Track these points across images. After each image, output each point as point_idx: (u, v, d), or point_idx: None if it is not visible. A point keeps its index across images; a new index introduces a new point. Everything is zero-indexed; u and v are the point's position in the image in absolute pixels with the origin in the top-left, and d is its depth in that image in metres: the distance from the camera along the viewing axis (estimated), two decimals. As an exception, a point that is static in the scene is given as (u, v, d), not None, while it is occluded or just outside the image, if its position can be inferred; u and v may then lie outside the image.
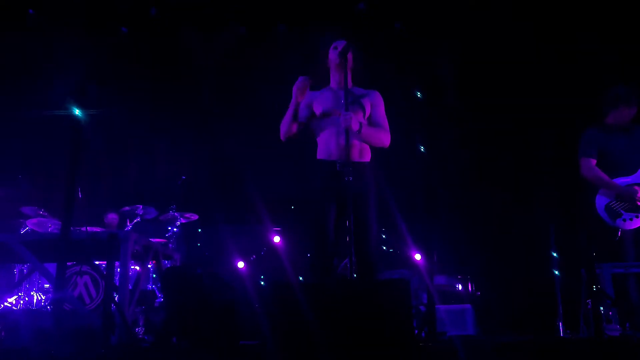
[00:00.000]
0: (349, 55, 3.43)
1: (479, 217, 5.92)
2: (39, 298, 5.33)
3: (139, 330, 4.69)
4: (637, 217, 3.86)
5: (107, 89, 5.97)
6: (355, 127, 3.28)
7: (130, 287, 3.84)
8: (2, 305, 5.25)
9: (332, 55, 3.54)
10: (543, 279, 4.87)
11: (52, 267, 4.22)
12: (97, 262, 4.87)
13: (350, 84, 3.56)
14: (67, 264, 4.66)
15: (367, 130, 3.40)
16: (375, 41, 5.80)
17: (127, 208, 6.00)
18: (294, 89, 3.41)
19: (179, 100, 6.45)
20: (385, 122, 3.55)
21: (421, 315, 4.75)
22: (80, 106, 3.24)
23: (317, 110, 3.54)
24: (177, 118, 6.43)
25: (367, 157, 3.51)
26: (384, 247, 5.61)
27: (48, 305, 5.21)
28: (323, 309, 2.44)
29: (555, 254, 4.58)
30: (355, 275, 3.01)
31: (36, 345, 3.12)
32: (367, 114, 3.52)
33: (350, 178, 3.13)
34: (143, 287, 5.23)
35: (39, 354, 2.78)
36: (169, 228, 6.05)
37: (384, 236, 5.56)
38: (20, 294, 5.34)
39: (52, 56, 5.80)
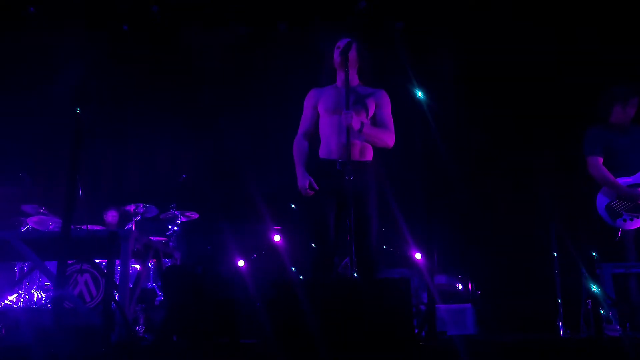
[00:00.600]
0: (352, 54, 3.43)
1: (480, 216, 5.91)
2: (40, 296, 5.33)
3: (139, 328, 4.70)
4: (637, 217, 3.86)
5: (108, 87, 5.97)
6: (356, 125, 3.28)
7: (130, 286, 3.84)
8: (3, 303, 5.25)
9: (335, 54, 3.55)
10: (543, 279, 4.86)
11: (52, 265, 4.24)
12: (97, 261, 4.87)
13: (356, 82, 3.57)
14: (68, 262, 4.67)
15: (369, 130, 3.40)
16: (376, 40, 5.79)
17: (127, 206, 6.01)
18: (302, 192, 3.46)
19: (179, 99, 6.45)
20: (389, 123, 3.54)
21: (421, 314, 4.75)
22: (81, 104, 3.24)
23: (321, 109, 3.56)
24: (178, 116, 6.43)
25: (369, 156, 3.51)
26: (385, 246, 5.60)
27: (48, 303, 5.22)
28: (323, 307, 2.44)
29: (555, 254, 4.57)
30: (355, 274, 3.02)
31: (36, 343, 3.12)
32: (371, 113, 3.51)
33: (351, 177, 3.14)
34: (143, 286, 5.24)
35: (39, 352, 2.78)
36: (170, 226, 6.06)
37: (384, 234, 5.57)
38: (20, 292, 5.34)
39: (52, 54, 5.79)
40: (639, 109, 4.05)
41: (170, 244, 5.97)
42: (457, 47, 5.90)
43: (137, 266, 5.19)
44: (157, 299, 5.25)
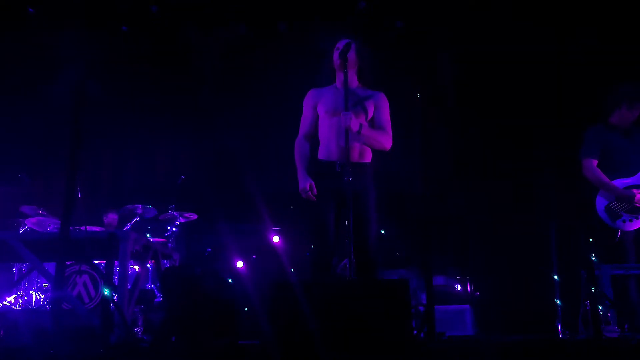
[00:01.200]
0: (351, 55, 3.43)
1: (479, 217, 5.92)
2: (38, 297, 5.33)
3: (138, 329, 4.69)
4: (637, 218, 3.86)
5: (107, 87, 5.96)
6: (354, 127, 3.29)
7: (129, 287, 3.83)
8: (1, 304, 5.25)
9: (334, 55, 3.55)
10: (542, 280, 4.88)
11: (51, 267, 4.23)
12: (96, 262, 4.86)
13: (355, 83, 3.57)
14: (67, 263, 4.66)
15: (367, 132, 3.41)
16: (376, 40, 5.80)
17: (126, 207, 6.00)
18: (302, 194, 3.45)
19: (178, 99, 6.44)
20: (387, 125, 3.54)
21: (420, 315, 4.75)
22: (80, 105, 3.24)
23: (321, 110, 3.56)
24: (177, 117, 6.43)
25: (368, 158, 3.52)
26: (383, 248, 5.61)
27: (47, 304, 5.21)
28: (322, 308, 2.44)
29: (554, 255, 4.58)
30: (354, 275, 3.02)
31: (35, 344, 3.12)
32: (370, 116, 3.52)
33: (350, 178, 3.14)
34: (142, 287, 5.23)
35: (38, 354, 2.78)
36: (169, 227, 6.05)
37: (382, 235, 5.57)
38: (19, 293, 5.33)
39: (51, 54, 5.79)
40: None
41: (169, 245, 5.96)
42: (457, 47, 5.90)
43: (136, 267, 5.18)
44: (155, 300, 5.25)
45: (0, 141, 6.01)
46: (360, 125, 3.34)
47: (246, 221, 6.32)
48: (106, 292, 3.16)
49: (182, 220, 6.10)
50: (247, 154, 6.29)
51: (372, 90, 3.59)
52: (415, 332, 3.52)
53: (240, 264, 6.07)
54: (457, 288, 5.57)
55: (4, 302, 5.27)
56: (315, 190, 3.41)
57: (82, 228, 4.56)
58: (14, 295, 5.34)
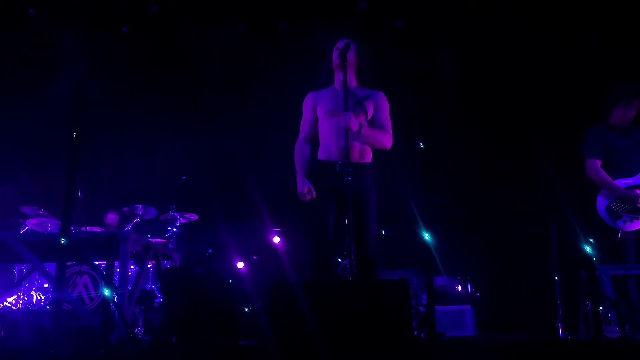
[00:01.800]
0: (351, 55, 3.43)
1: (479, 217, 5.91)
2: (39, 298, 5.33)
3: (138, 330, 4.69)
4: (637, 218, 3.86)
5: (107, 88, 5.96)
6: (354, 127, 3.28)
7: (129, 287, 3.83)
8: (2, 305, 5.25)
9: (334, 55, 3.55)
10: (542, 280, 4.87)
11: (51, 267, 4.23)
12: (96, 262, 4.86)
13: (354, 83, 3.57)
14: (67, 263, 4.66)
15: (367, 131, 3.40)
16: (376, 40, 5.80)
17: (126, 208, 6.00)
18: (300, 197, 3.46)
19: (179, 100, 6.45)
20: (387, 125, 3.54)
21: (420, 316, 4.74)
22: (80, 106, 3.24)
23: (320, 112, 3.56)
24: (177, 117, 6.43)
25: (368, 158, 3.51)
26: (384, 248, 5.60)
27: (47, 305, 5.21)
28: (322, 309, 2.44)
29: (555, 256, 4.57)
30: (354, 276, 3.01)
31: (35, 345, 3.12)
32: (369, 116, 3.52)
33: (350, 179, 3.14)
34: (142, 287, 5.23)
35: (39, 354, 2.78)
36: (169, 228, 6.05)
37: (383, 234, 5.56)
38: (19, 293, 5.34)
39: (51, 55, 5.79)
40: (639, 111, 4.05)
41: (170, 245, 5.96)
42: (456, 47, 5.90)
43: (136, 268, 5.18)
44: (156, 300, 5.24)
45: (0, 141, 6.01)
46: (360, 125, 3.34)
47: (246, 222, 6.32)
48: (106, 292, 3.16)
49: (183, 220, 6.09)
50: (247, 155, 6.29)
51: (371, 90, 3.59)
52: (415, 332, 3.51)
53: (240, 265, 6.07)
54: (457, 288, 5.57)
55: (5, 303, 5.27)
56: (313, 193, 3.41)
57: (83, 229, 4.56)
58: (15, 296, 5.34)
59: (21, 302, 5.30)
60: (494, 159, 5.96)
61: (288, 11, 6.08)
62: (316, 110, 3.59)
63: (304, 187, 3.42)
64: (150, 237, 5.75)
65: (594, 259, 3.82)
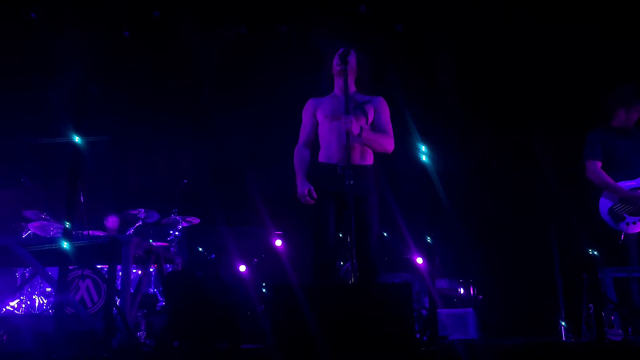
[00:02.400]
0: (352, 60, 3.44)
1: (481, 220, 5.90)
2: (41, 302, 5.33)
3: (140, 334, 4.69)
4: (640, 220, 3.85)
5: (108, 90, 5.98)
6: (355, 130, 3.29)
7: (132, 291, 3.84)
8: (4, 309, 5.25)
9: (334, 61, 3.56)
10: (545, 283, 4.86)
11: (54, 271, 4.24)
12: (99, 266, 4.87)
13: (353, 89, 3.58)
14: (69, 267, 4.67)
15: (368, 134, 3.41)
16: (376, 43, 5.80)
17: (128, 212, 6.01)
18: (301, 199, 3.44)
19: (180, 103, 6.45)
20: (389, 128, 3.55)
21: (423, 319, 4.74)
22: (81, 109, 3.26)
23: (320, 116, 3.57)
24: (179, 120, 6.43)
25: (369, 160, 3.51)
26: (386, 251, 5.60)
27: (50, 309, 5.22)
28: (325, 312, 2.44)
29: (557, 258, 4.56)
30: (356, 279, 3.01)
31: (38, 348, 3.13)
32: (370, 120, 3.52)
33: (351, 181, 3.14)
34: (145, 291, 5.23)
35: (41, 358, 2.79)
36: (171, 232, 6.06)
37: (385, 237, 5.56)
38: (22, 297, 5.34)
39: (53, 56, 5.81)
40: None
41: (172, 249, 5.96)
42: (456, 48, 5.90)
43: (139, 271, 5.18)
44: (158, 304, 5.25)
45: (2, 144, 6.02)
46: (361, 128, 3.34)
47: (248, 225, 6.32)
48: (109, 296, 3.17)
49: (185, 224, 6.10)
50: (249, 158, 6.29)
51: (370, 96, 3.61)
52: (417, 335, 3.51)
53: (242, 268, 6.07)
54: (459, 291, 5.56)
55: (7, 307, 5.28)
56: (314, 194, 3.41)
57: (85, 232, 4.57)
58: (17, 300, 5.34)
59: (24, 306, 5.30)
60: (495, 160, 5.95)
61: (289, 13, 6.08)
62: (316, 115, 3.59)
63: (305, 189, 3.42)
64: (152, 241, 5.76)
65: (597, 261, 3.81)
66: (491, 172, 5.96)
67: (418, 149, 3.91)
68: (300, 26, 6.10)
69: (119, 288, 3.85)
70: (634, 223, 3.85)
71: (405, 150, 3.88)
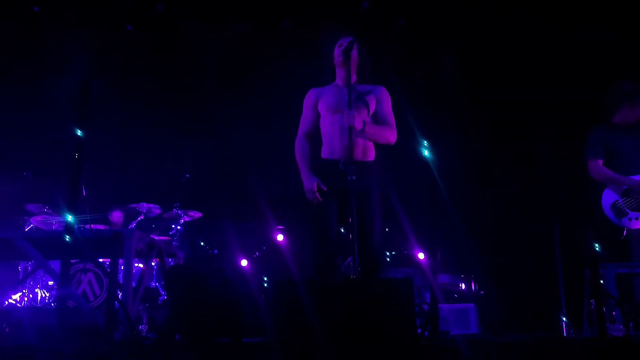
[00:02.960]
0: (354, 52, 3.43)
1: (483, 215, 5.90)
2: (43, 295, 5.35)
3: (142, 327, 4.71)
4: (643, 216, 3.84)
5: (110, 86, 5.98)
6: (358, 125, 3.28)
7: (134, 285, 3.85)
8: (7, 302, 5.27)
9: (336, 52, 3.54)
10: (547, 278, 4.86)
11: (56, 265, 4.25)
12: (101, 260, 4.89)
13: (354, 79, 3.56)
14: (72, 261, 4.68)
15: (371, 128, 3.39)
16: (379, 38, 5.79)
17: (131, 206, 6.02)
18: (308, 195, 3.39)
19: (183, 98, 6.45)
20: (391, 119, 3.53)
21: (424, 314, 4.74)
22: (84, 104, 3.25)
23: (322, 108, 3.54)
24: (182, 115, 6.44)
25: (371, 156, 3.51)
26: (387, 246, 5.60)
27: (52, 302, 5.24)
28: (326, 307, 2.44)
29: (559, 253, 4.56)
30: (358, 274, 3.01)
31: (40, 342, 3.13)
32: (372, 110, 3.50)
33: (354, 177, 3.13)
34: (146, 285, 5.25)
35: (43, 351, 2.79)
36: (173, 226, 6.07)
37: (387, 233, 5.56)
38: (24, 291, 5.36)
39: (55, 52, 5.80)
40: None
41: (174, 243, 5.98)
42: (460, 46, 5.88)
43: (141, 265, 5.19)
44: (160, 298, 5.27)
45: (5, 139, 6.02)
46: (364, 122, 3.33)
47: (250, 219, 6.33)
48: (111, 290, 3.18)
49: (187, 218, 6.11)
50: (251, 152, 6.29)
51: (372, 85, 3.58)
52: (419, 330, 3.51)
53: (244, 262, 6.08)
54: (461, 287, 5.56)
55: (10, 300, 5.30)
56: (323, 187, 3.37)
57: (87, 226, 4.58)
58: (20, 293, 5.36)
59: (26, 299, 5.32)
60: (497, 156, 5.94)
61: (292, 9, 6.07)
62: (318, 107, 3.57)
63: (313, 183, 3.36)
64: (154, 235, 5.77)
65: (599, 257, 3.80)
66: (493, 167, 5.95)
67: (420, 144, 3.90)
68: (304, 22, 6.09)
69: (121, 282, 3.86)
70: (637, 219, 3.85)
71: (407, 145, 3.87)
